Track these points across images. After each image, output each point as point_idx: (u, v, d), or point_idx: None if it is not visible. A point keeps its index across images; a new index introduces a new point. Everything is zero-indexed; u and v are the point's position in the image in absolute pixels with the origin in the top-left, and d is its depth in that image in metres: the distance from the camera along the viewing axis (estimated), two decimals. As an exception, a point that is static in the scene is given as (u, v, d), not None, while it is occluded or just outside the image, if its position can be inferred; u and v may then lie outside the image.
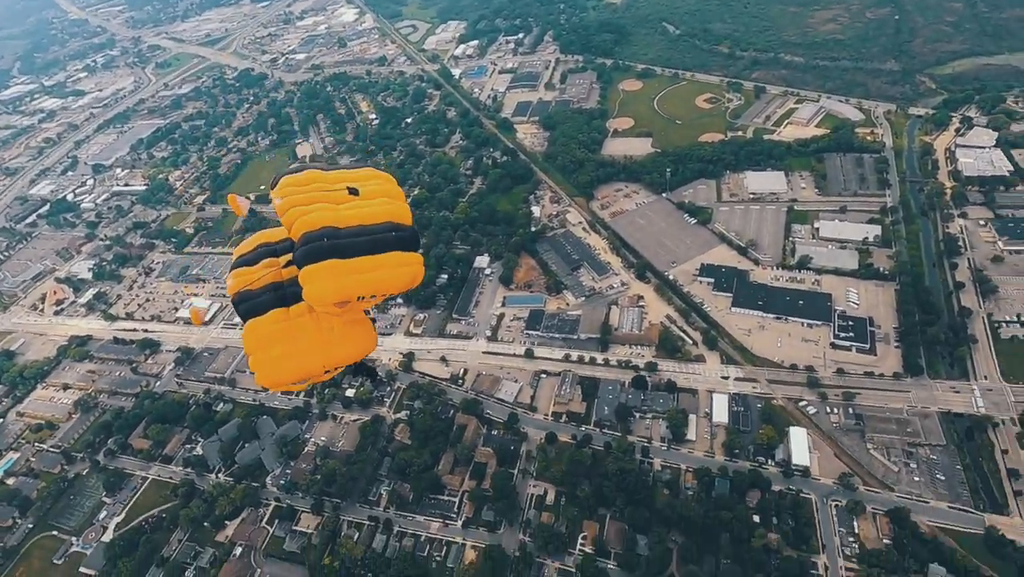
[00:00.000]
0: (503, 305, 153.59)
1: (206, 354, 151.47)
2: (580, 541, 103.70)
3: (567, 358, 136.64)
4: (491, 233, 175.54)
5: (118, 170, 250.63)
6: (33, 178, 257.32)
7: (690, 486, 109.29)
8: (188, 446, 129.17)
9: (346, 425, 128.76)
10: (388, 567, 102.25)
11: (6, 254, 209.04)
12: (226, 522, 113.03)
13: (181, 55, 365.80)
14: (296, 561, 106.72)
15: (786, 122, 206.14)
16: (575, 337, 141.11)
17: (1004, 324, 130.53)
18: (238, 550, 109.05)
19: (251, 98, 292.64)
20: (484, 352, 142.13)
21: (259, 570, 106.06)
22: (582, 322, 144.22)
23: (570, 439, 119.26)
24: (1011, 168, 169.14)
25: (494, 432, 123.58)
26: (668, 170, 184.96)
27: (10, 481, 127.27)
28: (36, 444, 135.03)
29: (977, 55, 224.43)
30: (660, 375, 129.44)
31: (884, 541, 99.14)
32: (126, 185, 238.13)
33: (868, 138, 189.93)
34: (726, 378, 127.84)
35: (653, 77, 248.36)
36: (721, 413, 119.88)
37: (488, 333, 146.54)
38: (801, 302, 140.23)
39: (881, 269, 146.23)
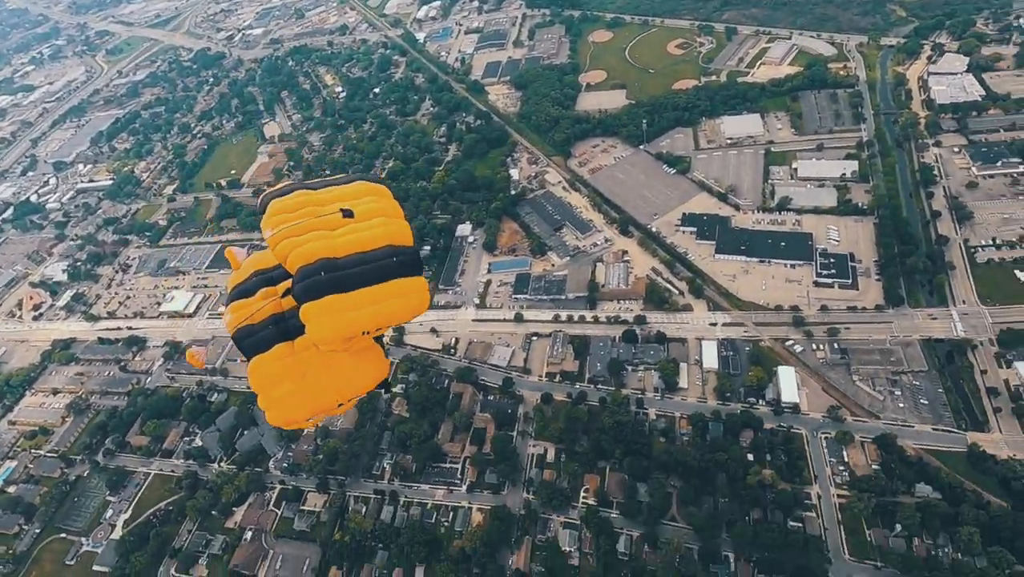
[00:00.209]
0: (489, 271, 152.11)
1: (194, 347, 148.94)
2: (583, 494, 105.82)
3: (556, 319, 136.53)
4: (471, 200, 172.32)
5: (80, 166, 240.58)
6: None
7: (685, 432, 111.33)
8: (187, 439, 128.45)
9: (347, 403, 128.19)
10: (398, 536, 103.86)
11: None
12: (233, 509, 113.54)
13: (132, 39, 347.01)
14: (307, 539, 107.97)
15: (759, 63, 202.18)
16: (563, 297, 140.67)
17: (980, 248, 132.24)
18: (248, 534, 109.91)
19: (211, 80, 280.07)
20: (474, 320, 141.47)
21: (271, 551, 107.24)
22: (569, 281, 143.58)
23: (565, 397, 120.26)
24: (983, 92, 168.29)
25: (490, 397, 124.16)
26: (644, 121, 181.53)
27: (11, 489, 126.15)
28: (32, 451, 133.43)
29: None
30: (649, 327, 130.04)
31: (873, 467, 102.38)
32: (91, 181, 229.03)
33: (841, 73, 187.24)
34: (714, 325, 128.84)
35: (623, 26, 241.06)
36: (711, 359, 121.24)
37: (476, 301, 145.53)
38: (783, 244, 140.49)
39: (859, 204, 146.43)
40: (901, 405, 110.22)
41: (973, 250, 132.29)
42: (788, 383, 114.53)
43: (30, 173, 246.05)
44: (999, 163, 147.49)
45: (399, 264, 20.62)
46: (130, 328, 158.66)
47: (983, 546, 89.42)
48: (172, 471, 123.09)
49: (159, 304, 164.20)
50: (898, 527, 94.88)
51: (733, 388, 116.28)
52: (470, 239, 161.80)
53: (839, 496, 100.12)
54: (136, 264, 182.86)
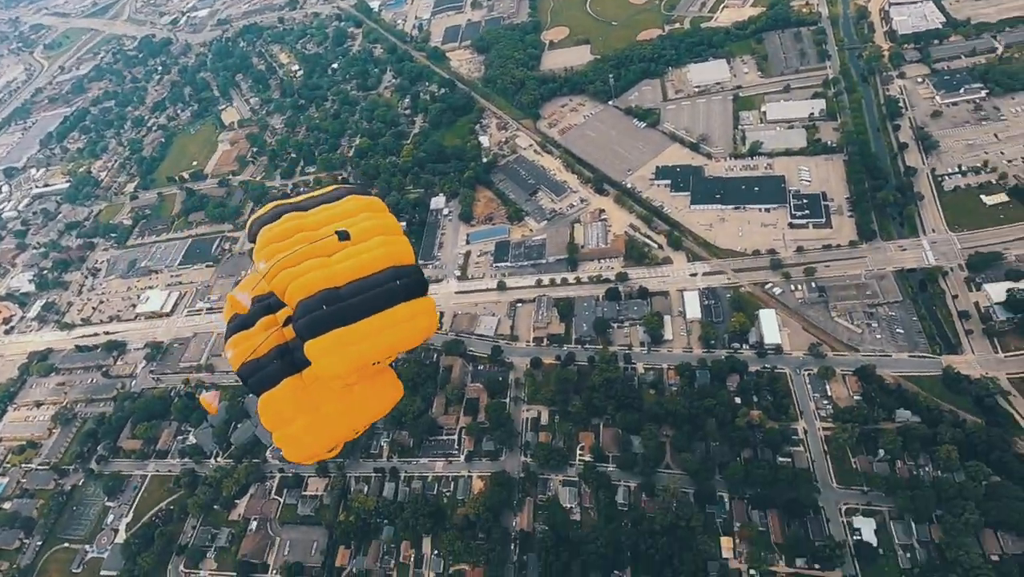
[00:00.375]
0: (467, 242, 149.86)
1: (176, 345, 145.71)
2: (579, 452, 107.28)
3: (539, 283, 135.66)
4: (442, 172, 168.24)
5: (33, 171, 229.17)
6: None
7: (673, 382, 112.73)
8: (180, 437, 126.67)
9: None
10: (402, 511, 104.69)
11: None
12: (236, 501, 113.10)
13: (70, 32, 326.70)
14: (312, 523, 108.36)
15: (722, 6, 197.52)
16: (544, 261, 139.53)
17: (947, 177, 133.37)
18: (254, 524, 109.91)
19: (159, 68, 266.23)
20: (457, 292, 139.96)
21: (278, 538, 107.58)
22: (548, 245, 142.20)
23: (554, 360, 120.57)
24: (943, 19, 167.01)
25: (480, 367, 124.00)
26: (611, 76, 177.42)
27: (6, 505, 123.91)
28: (23, 465, 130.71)
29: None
30: (631, 283, 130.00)
31: (854, 398, 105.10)
32: (46, 186, 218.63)
33: (804, 10, 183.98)
34: (694, 275, 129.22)
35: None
36: (694, 309, 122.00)
37: (457, 273, 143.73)
38: (756, 188, 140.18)
39: (829, 143, 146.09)
40: (878, 336, 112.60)
41: (940, 179, 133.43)
42: (770, 325, 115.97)
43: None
44: (961, 90, 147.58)
45: (403, 287, 19.45)
46: (107, 333, 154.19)
47: (961, 462, 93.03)
48: (169, 471, 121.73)
49: (134, 306, 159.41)
50: (881, 452, 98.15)
51: (717, 335, 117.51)
52: (445, 211, 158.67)
53: (824, 429, 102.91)
54: (105, 267, 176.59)
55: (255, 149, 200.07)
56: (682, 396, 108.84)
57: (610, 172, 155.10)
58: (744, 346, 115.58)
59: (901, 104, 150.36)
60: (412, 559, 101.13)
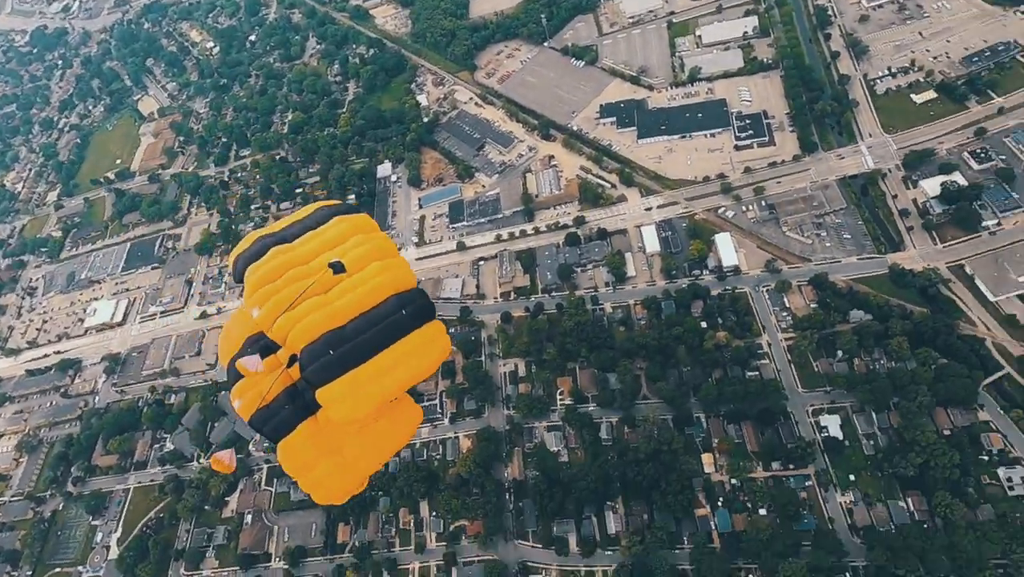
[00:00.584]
0: (420, 207, 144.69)
1: (135, 355, 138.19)
2: (559, 397, 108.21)
3: (499, 238, 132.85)
4: (384, 137, 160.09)
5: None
6: None
7: (641, 317, 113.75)
8: (157, 446, 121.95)
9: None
10: (395, 481, 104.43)
11: None
12: (226, 499, 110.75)
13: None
14: (308, 506, 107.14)
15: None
16: (500, 216, 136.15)
17: (878, 80, 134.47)
18: (249, 517, 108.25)
19: (60, 63, 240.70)
20: (417, 259, 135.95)
21: (275, 527, 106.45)
22: (502, 199, 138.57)
23: (523, 312, 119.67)
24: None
25: (451, 330, 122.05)
26: (543, 16, 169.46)
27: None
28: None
29: None
30: (589, 226, 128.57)
31: (811, 306, 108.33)
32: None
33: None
34: (649, 209, 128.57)
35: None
36: (652, 243, 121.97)
37: (415, 240, 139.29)
38: (700, 115, 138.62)
39: (765, 60, 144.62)
40: (828, 244, 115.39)
41: (872, 83, 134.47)
42: (726, 248, 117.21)
43: None
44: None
45: (410, 315, 18.14)
46: (58, 352, 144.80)
47: (911, 351, 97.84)
48: (152, 480, 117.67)
49: (82, 320, 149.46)
50: (839, 353, 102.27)
51: (677, 265, 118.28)
52: (393, 178, 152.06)
53: (786, 339, 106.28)
54: (42, 284, 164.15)
55: (182, 138, 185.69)
56: (651, 328, 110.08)
57: (555, 116, 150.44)
58: (704, 272, 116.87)
59: (830, 12, 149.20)
60: (412, 524, 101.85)
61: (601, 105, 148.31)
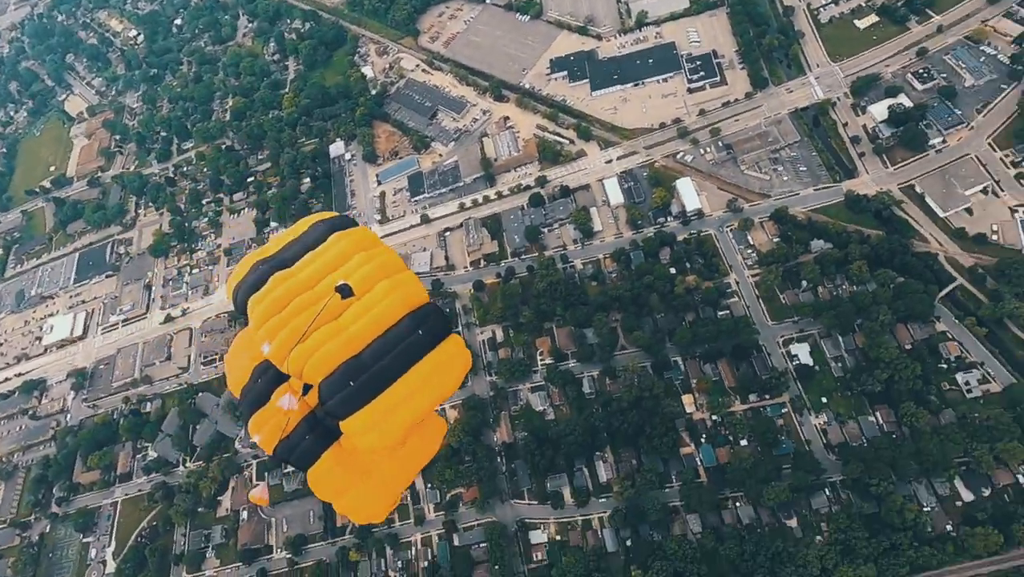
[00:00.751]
0: (379, 183, 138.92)
1: (102, 367, 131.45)
2: (539, 358, 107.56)
3: (462, 207, 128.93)
4: (333, 115, 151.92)
5: None
6: None
7: (612, 270, 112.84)
8: (139, 456, 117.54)
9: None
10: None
11: None
12: (218, 499, 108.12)
13: None
14: (303, 495, 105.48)
15: None
16: (461, 184, 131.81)
17: (822, 9, 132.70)
18: (245, 514, 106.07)
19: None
20: (381, 237, 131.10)
21: (273, 519, 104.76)
22: (461, 167, 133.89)
23: (495, 279, 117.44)
24: None
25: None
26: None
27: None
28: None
29: None
30: (552, 185, 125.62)
31: (774, 241, 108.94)
32: None
33: None
34: (610, 162, 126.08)
35: None
36: (616, 195, 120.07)
37: (377, 217, 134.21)
38: (651, 61, 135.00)
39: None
40: (785, 178, 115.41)
41: (816, 12, 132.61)
42: (688, 193, 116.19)
43: None
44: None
45: (427, 334, 17.33)
46: (19, 374, 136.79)
47: (870, 273, 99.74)
48: (139, 491, 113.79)
49: (39, 339, 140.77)
50: (804, 283, 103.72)
51: (642, 215, 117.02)
52: (347, 156, 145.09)
53: (752, 276, 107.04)
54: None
55: (117, 137, 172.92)
56: (622, 280, 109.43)
57: (505, 76, 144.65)
58: (669, 218, 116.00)
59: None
60: (408, 498, 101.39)
61: (551, 60, 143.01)
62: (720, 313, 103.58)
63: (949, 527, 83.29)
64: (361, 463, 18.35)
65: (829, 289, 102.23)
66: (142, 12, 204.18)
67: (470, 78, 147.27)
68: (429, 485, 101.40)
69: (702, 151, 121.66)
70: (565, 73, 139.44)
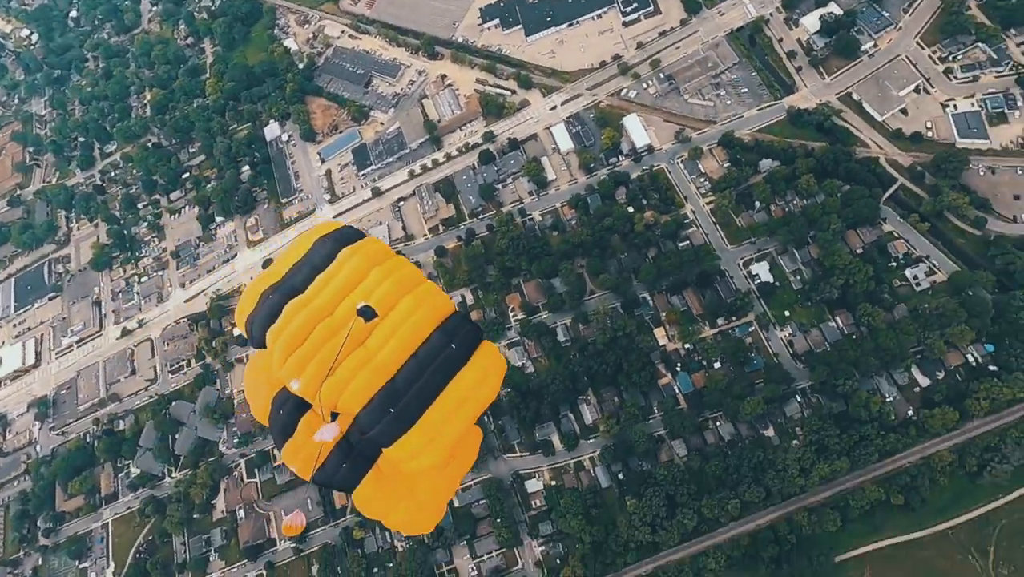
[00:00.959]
0: (322, 161, 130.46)
1: (63, 392, 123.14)
2: (511, 314, 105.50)
3: (412, 175, 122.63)
4: (261, 96, 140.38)
5: None
6: None
7: (571, 217, 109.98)
8: (122, 475, 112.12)
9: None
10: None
11: None
12: (212, 503, 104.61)
13: None
14: (297, 485, 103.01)
15: None
16: (407, 151, 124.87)
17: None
18: (242, 512, 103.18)
19: None
20: (334, 216, 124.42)
21: (271, 513, 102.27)
22: (405, 133, 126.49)
23: (456, 243, 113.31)
24: None
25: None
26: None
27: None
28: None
29: None
30: (500, 139, 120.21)
31: (724, 166, 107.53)
32: None
33: None
34: (554, 108, 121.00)
35: None
36: (565, 141, 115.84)
37: (327, 197, 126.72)
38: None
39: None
40: (728, 103, 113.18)
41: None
42: (636, 129, 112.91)
43: None
44: None
45: (460, 346, 16.63)
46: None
47: (818, 185, 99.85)
48: (128, 509, 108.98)
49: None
50: (757, 204, 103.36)
51: (594, 157, 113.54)
52: (284, 137, 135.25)
53: (707, 203, 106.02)
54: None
55: (31, 149, 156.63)
56: (582, 226, 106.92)
57: (436, 32, 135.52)
58: (620, 158, 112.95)
59: None
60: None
61: (480, 8, 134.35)
62: (681, 244, 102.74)
63: (910, 412, 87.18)
64: (403, 483, 17.92)
65: (781, 206, 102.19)
66: (31, 8, 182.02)
67: (400, 38, 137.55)
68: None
69: (645, 85, 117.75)
70: (497, 21, 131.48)
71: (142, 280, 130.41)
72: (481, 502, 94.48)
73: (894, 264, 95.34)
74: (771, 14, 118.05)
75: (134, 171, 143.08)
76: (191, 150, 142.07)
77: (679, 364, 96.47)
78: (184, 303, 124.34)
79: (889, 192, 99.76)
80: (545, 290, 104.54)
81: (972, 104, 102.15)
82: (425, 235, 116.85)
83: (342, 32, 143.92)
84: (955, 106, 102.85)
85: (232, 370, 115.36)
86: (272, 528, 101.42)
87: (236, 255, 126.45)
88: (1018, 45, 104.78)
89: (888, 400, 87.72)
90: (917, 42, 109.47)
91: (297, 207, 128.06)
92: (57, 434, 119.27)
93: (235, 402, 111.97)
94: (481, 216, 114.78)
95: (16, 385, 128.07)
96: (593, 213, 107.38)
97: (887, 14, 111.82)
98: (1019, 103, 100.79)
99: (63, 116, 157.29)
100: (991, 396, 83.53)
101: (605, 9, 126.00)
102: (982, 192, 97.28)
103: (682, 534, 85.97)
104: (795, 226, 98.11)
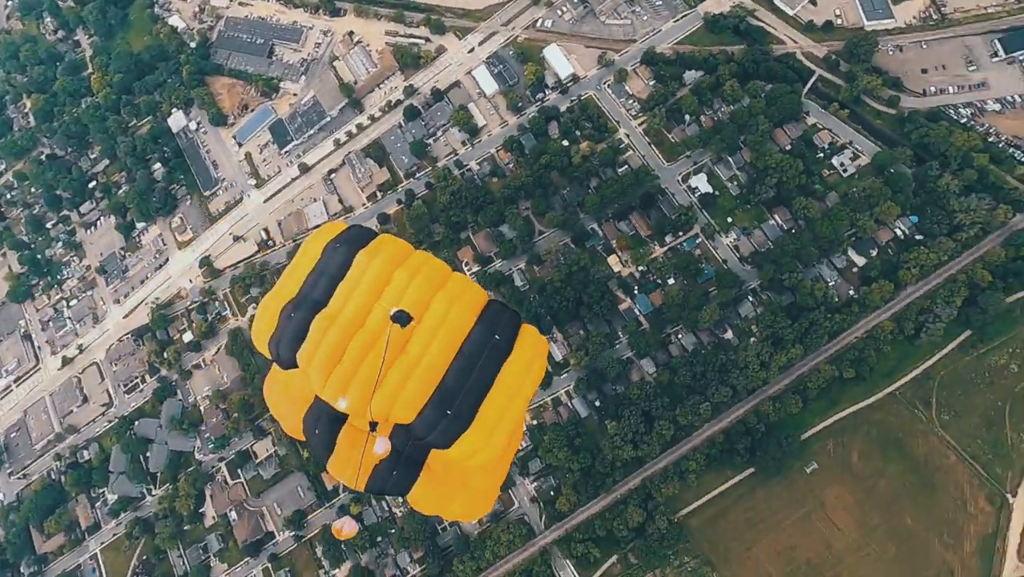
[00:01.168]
0: (240, 145, 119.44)
1: (14, 434, 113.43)
2: (466, 268, 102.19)
3: (338, 144, 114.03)
4: (157, 84, 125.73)
5: None
6: None
7: (507, 160, 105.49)
8: (98, 504, 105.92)
9: (213, 362, 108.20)
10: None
11: None
12: (200, 512, 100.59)
13: None
14: (283, 476, 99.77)
15: None
16: (328, 119, 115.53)
17: None
18: (233, 513, 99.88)
19: None
20: (265, 201, 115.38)
21: (264, 507, 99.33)
22: (322, 101, 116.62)
23: (398, 206, 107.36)
24: None
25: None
26: None
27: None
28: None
29: None
30: (422, 92, 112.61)
31: (650, 83, 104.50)
32: None
33: None
34: (472, 51, 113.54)
35: None
36: (488, 83, 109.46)
37: (252, 182, 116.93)
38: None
39: None
40: (645, 18, 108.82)
41: None
42: (558, 60, 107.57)
43: None
44: None
45: (503, 336, 15.92)
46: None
47: (742, 88, 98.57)
48: (114, 535, 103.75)
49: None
50: (687, 117, 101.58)
51: (520, 96, 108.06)
52: (192, 126, 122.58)
53: (639, 124, 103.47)
54: None
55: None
56: (520, 168, 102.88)
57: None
58: (547, 92, 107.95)
59: None
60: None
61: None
62: (620, 170, 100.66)
63: (851, 292, 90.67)
64: (456, 478, 17.76)
65: (710, 116, 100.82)
66: None
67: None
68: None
69: (559, 12, 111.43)
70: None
71: (71, 304, 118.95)
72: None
73: (821, 155, 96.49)
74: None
75: (32, 189, 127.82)
76: (92, 156, 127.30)
77: (636, 287, 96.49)
78: (123, 319, 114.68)
79: (808, 85, 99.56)
80: (495, 238, 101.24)
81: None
82: (364, 204, 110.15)
83: (230, 1, 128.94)
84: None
85: (191, 378, 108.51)
86: (268, 522, 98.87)
87: (168, 259, 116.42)
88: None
89: (831, 284, 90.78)
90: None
91: (223, 198, 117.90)
92: (18, 478, 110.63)
93: (201, 408, 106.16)
94: (417, 175, 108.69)
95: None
96: (529, 153, 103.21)
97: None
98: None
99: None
100: (920, 263, 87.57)
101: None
102: (893, 71, 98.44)
103: (662, 444, 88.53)
104: (726, 133, 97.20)
